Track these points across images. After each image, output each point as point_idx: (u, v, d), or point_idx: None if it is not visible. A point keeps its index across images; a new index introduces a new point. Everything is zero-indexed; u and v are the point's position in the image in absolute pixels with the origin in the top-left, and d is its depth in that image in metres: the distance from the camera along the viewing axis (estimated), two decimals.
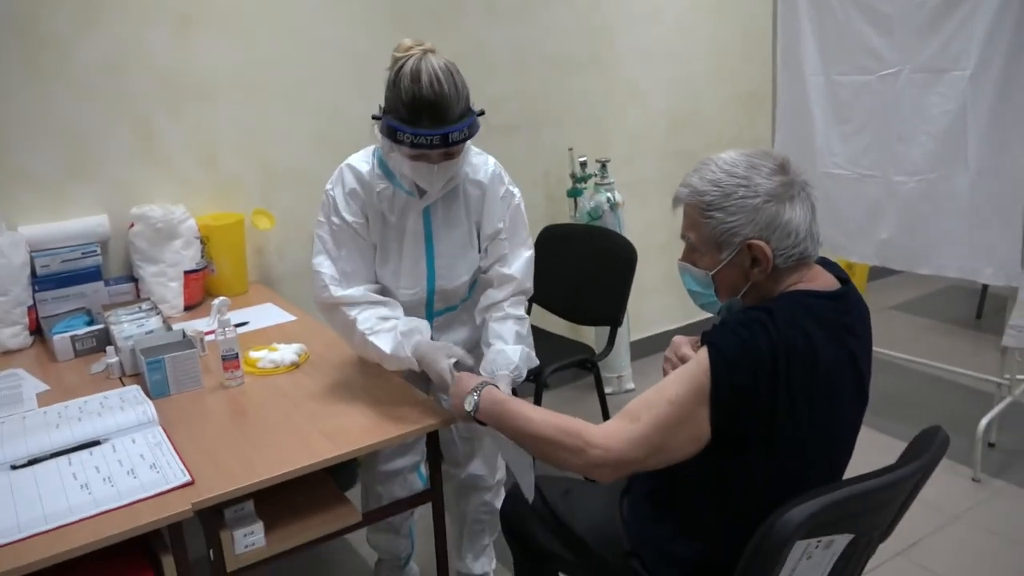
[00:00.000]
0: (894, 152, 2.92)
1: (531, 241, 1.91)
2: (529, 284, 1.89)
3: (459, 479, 2.10)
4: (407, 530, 2.24)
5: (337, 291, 1.76)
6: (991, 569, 2.34)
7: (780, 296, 1.31)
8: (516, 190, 1.87)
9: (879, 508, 1.26)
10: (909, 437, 1.39)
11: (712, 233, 1.31)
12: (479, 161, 1.82)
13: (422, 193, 1.76)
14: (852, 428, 1.38)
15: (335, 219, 1.77)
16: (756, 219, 1.27)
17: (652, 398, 1.29)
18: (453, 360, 1.67)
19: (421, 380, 1.86)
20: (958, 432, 2.88)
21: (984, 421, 2.76)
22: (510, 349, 1.79)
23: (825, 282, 1.34)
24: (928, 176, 2.83)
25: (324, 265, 1.77)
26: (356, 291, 1.77)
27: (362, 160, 1.80)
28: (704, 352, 1.26)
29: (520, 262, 1.86)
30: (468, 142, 1.68)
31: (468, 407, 1.50)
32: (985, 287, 4.11)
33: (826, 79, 3.11)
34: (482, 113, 1.67)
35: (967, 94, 2.67)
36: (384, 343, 1.71)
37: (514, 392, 1.72)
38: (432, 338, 1.83)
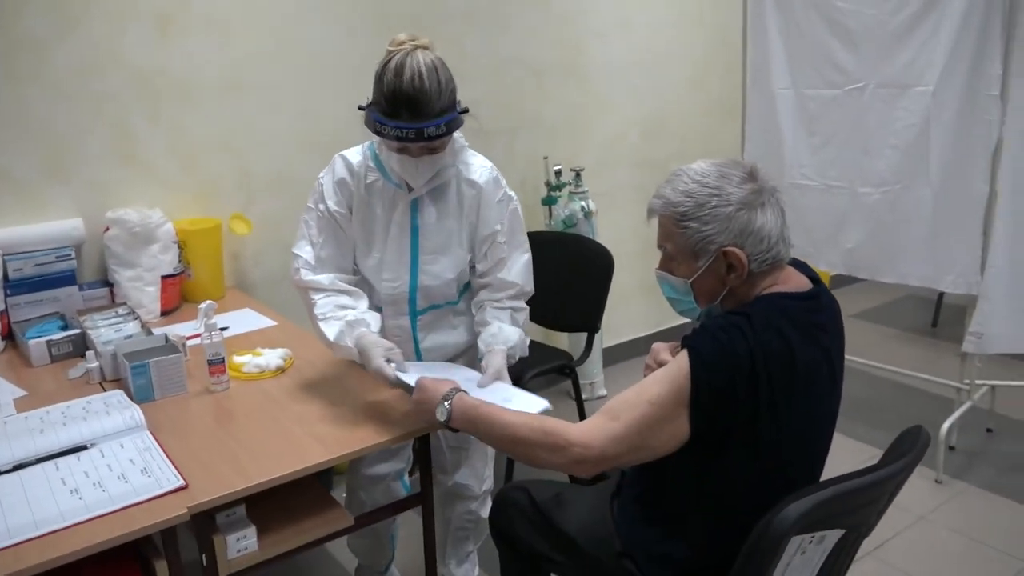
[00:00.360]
0: (860, 164, 3.02)
1: (528, 244, 1.93)
2: (530, 287, 1.92)
3: (445, 487, 2.11)
4: (388, 537, 2.24)
5: (307, 276, 1.80)
6: (956, 567, 2.43)
7: (756, 299, 1.35)
8: (514, 195, 1.90)
9: (868, 504, 1.31)
10: (874, 440, 1.45)
11: (688, 243, 1.35)
12: (475, 162, 1.84)
13: (411, 187, 1.78)
14: (830, 424, 1.44)
15: (321, 206, 1.81)
16: (730, 227, 1.32)
17: (632, 398, 1.32)
18: (392, 363, 1.66)
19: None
20: None
21: (946, 425, 2.85)
22: (509, 328, 1.83)
23: (798, 283, 1.39)
24: (892, 187, 2.92)
25: (303, 249, 1.82)
26: (324, 278, 1.80)
27: (355, 151, 1.83)
28: (684, 355, 1.30)
29: (519, 266, 1.88)
30: (463, 141, 1.72)
31: (441, 417, 1.50)
32: (941, 296, 4.25)
33: (795, 92, 3.19)
34: (466, 111, 1.69)
35: (930, 109, 2.76)
36: (330, 330, 1.74)
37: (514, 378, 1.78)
38: (415, 338, 1.86)
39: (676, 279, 1.41)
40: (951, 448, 3.02)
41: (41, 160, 2.31)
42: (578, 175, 3.37)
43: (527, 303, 1.96)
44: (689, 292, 1.41)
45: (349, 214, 1.82)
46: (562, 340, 3.43)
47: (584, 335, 2.86)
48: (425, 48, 1.65)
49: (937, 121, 2.75)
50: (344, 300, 1.79)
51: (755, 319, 1.29)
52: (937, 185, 2.80)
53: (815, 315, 1.36)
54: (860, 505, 1.29)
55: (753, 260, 1.33)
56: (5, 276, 2.20)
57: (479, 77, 3.16)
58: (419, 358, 1.93)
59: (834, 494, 1.21)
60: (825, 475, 1.29)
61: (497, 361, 1.76)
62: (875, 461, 1.36)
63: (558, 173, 3.37)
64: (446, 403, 1.49)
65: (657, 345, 1.55)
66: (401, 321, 1.90)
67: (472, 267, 1.91)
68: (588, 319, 2.82)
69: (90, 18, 2.31)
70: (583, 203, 3.34)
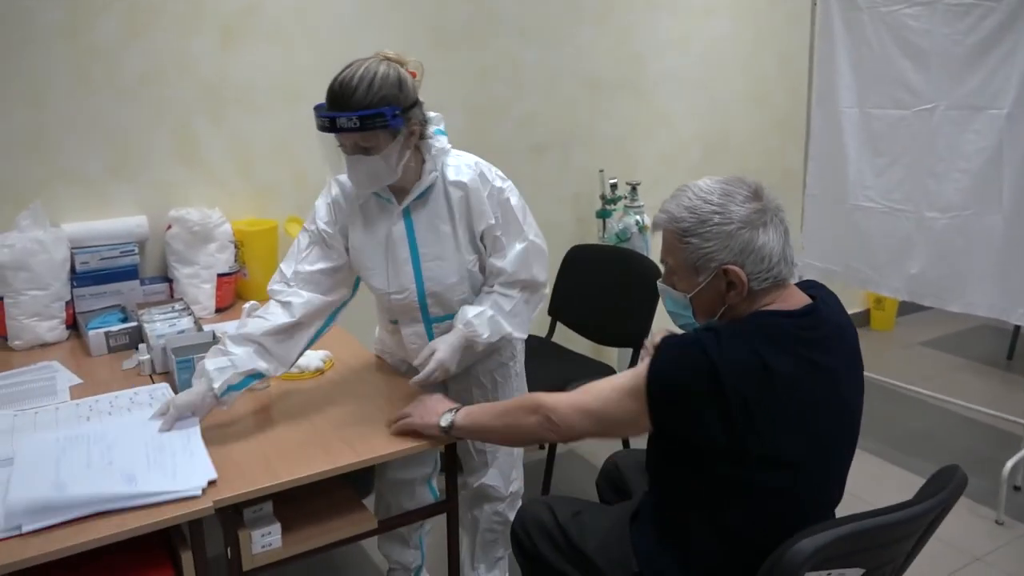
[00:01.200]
0: (927, 187, 2.91)
1: (531, 233, 1.86)
2: (525, 275, 1.85)
3: (472, 488, 2.11)
4: (417, 541, 2.25)
5: (273, 287, 1.82)
6: None
7: (745, 318, 1.35)
8: (507, 184, 1.84)
9: (891, 544, 1.26)
10: (926, 472, 1.38)
11: (689, 258, 1.36)
12: (457, 163, 1.81)
13: (400, 200, 1.79)
14: (844, 444, 1.39)
15: (311, 225, 1.85)
16: (731, 245, 1.32)
17: (603, 381, 1.45)
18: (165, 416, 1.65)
19: (438, 385, 1.91)
20: (983, 473, 2.87)
21: (1010, 464, 2.71)
22: (472, 309, 1.82)
23: (796, 301, 1.37)
24: (961, 213, 2.81)
25: (285, 263, 1.84)
26: (283, 298, 1.78)
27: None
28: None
29: (513, 253, 1.83)
30: (440, 145, 1.76)
31: (444, 423, 1.63)
32: (1017, 328, 4.04)
33: (860, 111, 3.10)
34: (398, 116, 1.64)
35: (1004, 132, 2.65)
36: (211, 356, 1.71)
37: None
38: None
39: (677, 293, 1.42)
40: (1015, 488, 2.87)
41: (109, 160, 2.43)
42: (634, 189, 3.34)
43: (535, 293, 1.92)
44: (688, 307, 1.42)
45: (341, 237, 1.84)
46: (611, 354, 3.41)
47: (631, 351, 2.83)
48: (396, 62, 1.68)
49: (1010, 145, 2.64)
50: (264, 332, 1.73)
51: (723, 334, 1.30)
52: (1009, 212, 2.68)
53: (808, 331, 1.33)
54: (881, 544, 1.24)
55: (753, 279, 1.33)
56: (73, 268, 2.32)
57: (534, 90, 3.17)
58: None
59: (852, 531, 1.17)
60: (867, 505, 1.24)
61: (452, 341, 1.79)
62: None
63: (614, 186, 3.35)
64: (452, 412, 1.63)
65: (657, 331, 1.61)
66: (416, 328, 1.89)
67: (483, 269, 1.90)
68: (636, 335, 2.79)
69: (157, 28, 2.42)
70: (638, 217, 3.31)
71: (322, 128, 1.65)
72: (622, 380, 1.40)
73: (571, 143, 3.33)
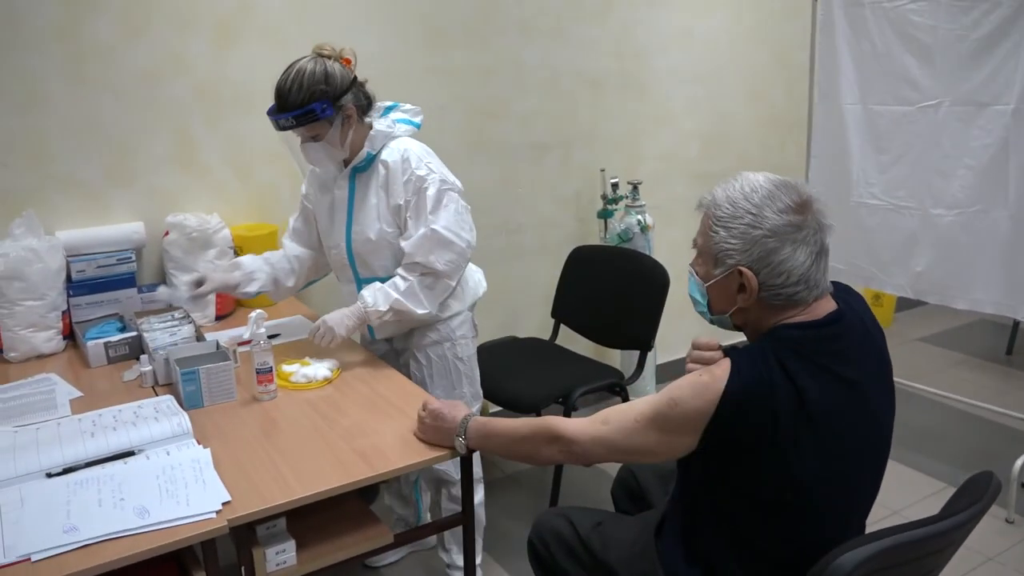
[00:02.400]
0: (932, 184, 2.89)
1: (438, 223, 1.99)
2: (421, 259, 2.00)
3: (428, 471, 2.24)
4: (414, 499, 2.45)
5: (283, 239, 2.33)
6: None
7: (766, 333, 1.32)
8: (431, 176, 2.00)
9: (929, 555, 1.24)
10: (939, 474, 1.37)
11: (712, 248, 1.34)
12: (395, 146, 2.05)
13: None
14: (869, 456, 1.36)
15: (301, 191, 2.26)
16: (751, 249, 1.29)
17: (624, 409, 1.41)
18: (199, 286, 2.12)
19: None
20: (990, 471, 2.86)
21: (1020, 462, 2.70)
22: (366, 289, 2.05)
23: (820, 309, 1.32)
24: (967, 210, 2.79)
25: (289, 221, 2.32)
26: (285, 245, 2.30)
27: None
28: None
29: (414, 237, 2.00)
30: (387, 129, 2.04)
31: (461, 450, 1.60)
32: (1016, 323, 4.05)
33: (863, 108, 3.09)
34: (327, 107, 1.91)
35: (1009, 129, 2.64)
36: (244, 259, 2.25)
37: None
38: None
39: (697, 279, 1.41)
40: (1023, 486, 2.86)
41: (105, 165, 2.37)
42: (635, 188, 3.31)
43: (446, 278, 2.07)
44: (705, 295, 1.40)
45: (312, 196, 2.21)
46: (614, 356, 3.38)
47: (637, 352, 2.80)
48: (327, 57, 1.94)
49: (1017, 141, 2.63)
50: (274, 259, 2.26)
51: (759, 358, 1.28)
52: (1015, 208, 2.67)
53: (832, 343, 1.30)
54: (921, 556, 1.22)
55: (765, 290, 1.30)
56: (69, 277, 2.26)
57: (535, 89, 3.14)
58: (370, 330, 2.13)
59: (894, 544, 1.14)
60: (885, 506, 1.22)
61: (343, 309, 2.06)
62: (938, 495, 1.29)
63: (615, 186, 3.32)
64: (463, 431, 1.59)
65: (698, 342, 1.48)
66: (350, 287, 2.18)
67: None
68: (641, 336, 2.76)
69: (154, 25, 2.36)
70: (640, 217, 3.28)
71: (275, 128, 1.97)
72: (643, 408, 1.36)
73: (572, 142, 3.29)
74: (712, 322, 1.46)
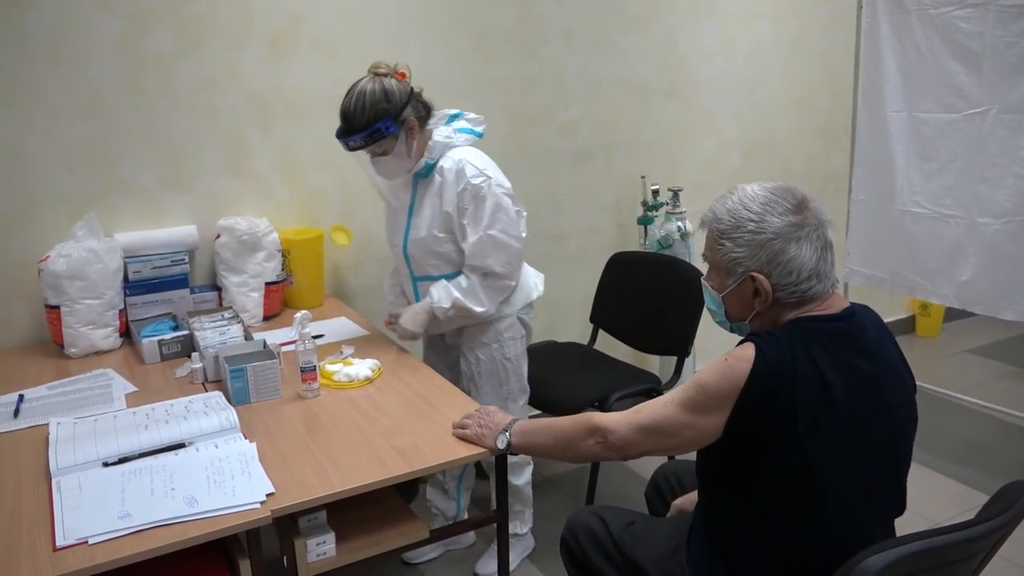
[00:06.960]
0: (978, 193, 2.85)
1: (495, 228, 2.10)
2: (479, 262, 2.13)
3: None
4: (455, 492, 2.50)
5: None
6: None
7: (785, 324, 1.36)
8: (488, 182, 2.10)
9: (957, 562, 1.23)
10: (979, 484, 1.36)
11: (722, 260, 1.40)
12: (454, 155, 2.14)
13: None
14: (882, 461, 1.37)
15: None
16: (759, 254, 1.34)
17: (655, 400, 1.46)
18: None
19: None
20: None
21: None
22: (434, 287, 2.17)
23: (834, 304, 1.37)
24: (1015, 219, 2.75)
25: None
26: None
27: None
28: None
29: (470, 241, 2.12)
30: (446, 140, 2.13)
31: (501, 444, 1.63)
32: None
33: (909, 115, 3.05)
34: (391, 124, 2.03)
35: None
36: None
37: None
38: (416, 298, 2.29)
39: (712, 291, 1.46)
40: None
41: (162, 170, 2.47)
42: (676, 195, 3.32)
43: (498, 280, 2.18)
44: (722, 306, 1.46)
45: (389, 195, 2.29)
46: (652, 362, 3.39)
47: (674, 358, 2.81)
48: (384, 75, 2.05)
49: None
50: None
51: (783, 342, 1.31)
52: None
53: (850, 336, 1.35)
54: (949, 563, 1.22)
55: (779, 290, 1.35)
56: (126, 277, 2.37)
57: (578, 96, 3.17)
58: None
59: (921, 548, 1.15)
60: (918, 517, 1.23)
61: (412, 307, 2.21)
62: (978, 508, 1.28)
63: (655, 193, 3.33)
64: (507, 433, 1.63)
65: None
66: (407, 285, 2.32)
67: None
68: (679, 342, 2.77)
69: (211, 38, 2.46)
70: (680, 223, 3.29)
71: (345, 149, 2.09)
72: (673, 395, 1.41)
73: (613, 149, 3.32)
74: (732, 330, 1.50)
